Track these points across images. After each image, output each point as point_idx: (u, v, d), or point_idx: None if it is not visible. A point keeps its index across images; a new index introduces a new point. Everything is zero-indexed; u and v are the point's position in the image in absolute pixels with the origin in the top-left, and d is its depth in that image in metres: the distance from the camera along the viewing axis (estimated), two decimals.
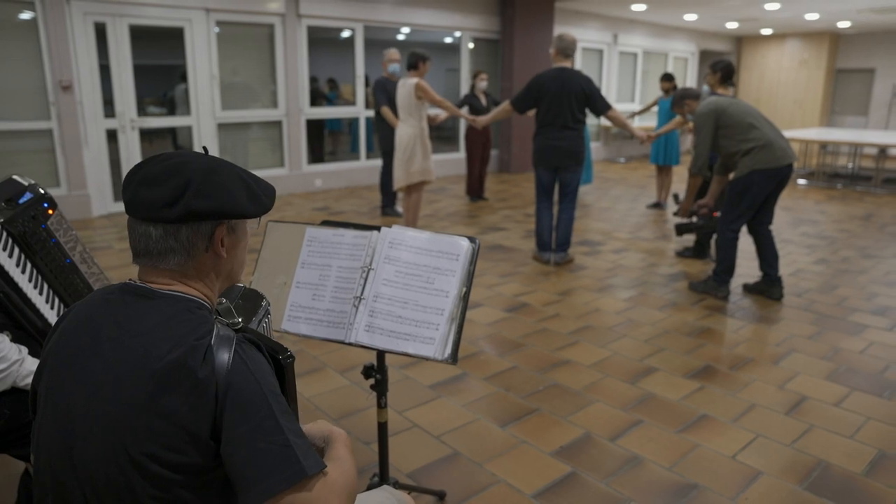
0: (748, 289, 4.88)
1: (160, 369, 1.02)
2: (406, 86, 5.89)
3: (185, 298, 1.13)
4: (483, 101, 8.26)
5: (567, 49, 5.33)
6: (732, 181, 4.53)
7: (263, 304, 1.44)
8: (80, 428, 1.05)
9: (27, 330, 1.95)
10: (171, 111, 7.93)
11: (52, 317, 2.01)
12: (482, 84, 8.30)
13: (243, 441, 1.01)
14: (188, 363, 1.02)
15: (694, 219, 5.12)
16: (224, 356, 1.04)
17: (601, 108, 5.32)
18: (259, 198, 1.17)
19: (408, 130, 5.94)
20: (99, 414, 1.04)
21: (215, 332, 1.07)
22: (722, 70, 4.91)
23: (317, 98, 9.24)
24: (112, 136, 7.21)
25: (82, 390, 1.06)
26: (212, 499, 1.07)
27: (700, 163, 4.61)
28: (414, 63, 5.96)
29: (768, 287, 4.74)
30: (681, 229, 5.31)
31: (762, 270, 4.75)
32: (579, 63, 12.18)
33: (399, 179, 6.01)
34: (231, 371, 1.03)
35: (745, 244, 4.98)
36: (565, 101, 5.24)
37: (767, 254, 4.68)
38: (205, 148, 1.22)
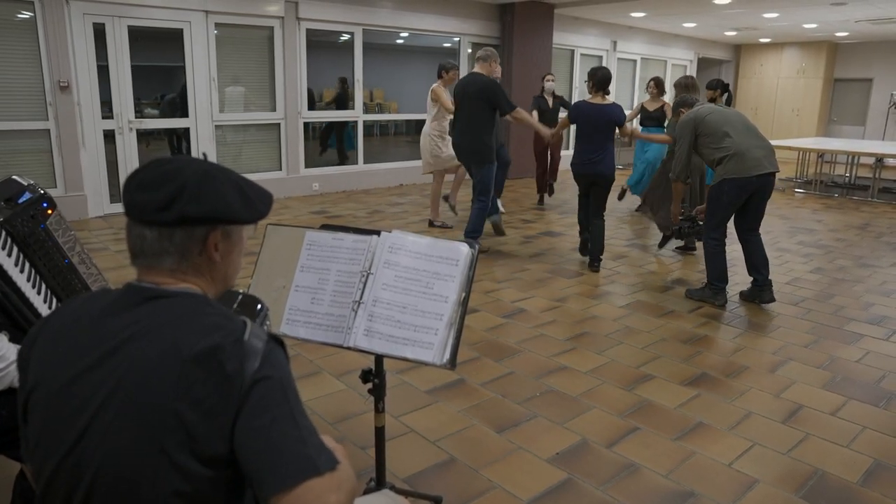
0: (743, 296, 4.90)
1: (190, 360, 1.04)
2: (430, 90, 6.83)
3: (199, 294, 1.17)
4: (550, 102, 8.24)
5: (481, 56, 5.77)
6: (709, 190, 4.64)
7: (260, 308, 1.44)
8: (98, 425, 1.06)
9: (25, 330, 1.95)
10: (165, 114, 7.93)
11: None
12: (549, 85, 8.25)
13: (260, 433, 1.04)
14: (218, 356, 1.05)
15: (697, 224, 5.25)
16: (253, 353, 1.08)
17: (504, 109, 5.63)
18: (254, 204, 1.19)
19: (425, 129, 6.91)
20: (124, 407, 1.05)
21: (248, 329, 1.10)
22: (591, 78, 5.40)
23: (346, 100, 9.39)
24: (109, 137, 7.20)
25: (100, 388, 1.07)
26: (224, 495, 1.09)
27: (678, 169, 4.71)
28: (439, 72, 6.77)
29: (759, 291, 4.77)
30: (681, 232, 5.40)
31: (750, 275, 4.79)
32: (578, 69, 12.21)
33: (424, 166, 7.08)
34: (258, 368, 1.07)
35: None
36: (466, 103, 5.66)
37: (754, 259, 4.71)
38: (204, 154, 1.24)
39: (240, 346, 1.07)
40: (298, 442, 1.05)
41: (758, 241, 4.71)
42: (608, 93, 5.43)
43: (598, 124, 5.28)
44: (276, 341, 1.15)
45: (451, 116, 6.74)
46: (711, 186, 4.57)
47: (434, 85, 6.76)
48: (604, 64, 12.74)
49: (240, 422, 1.04)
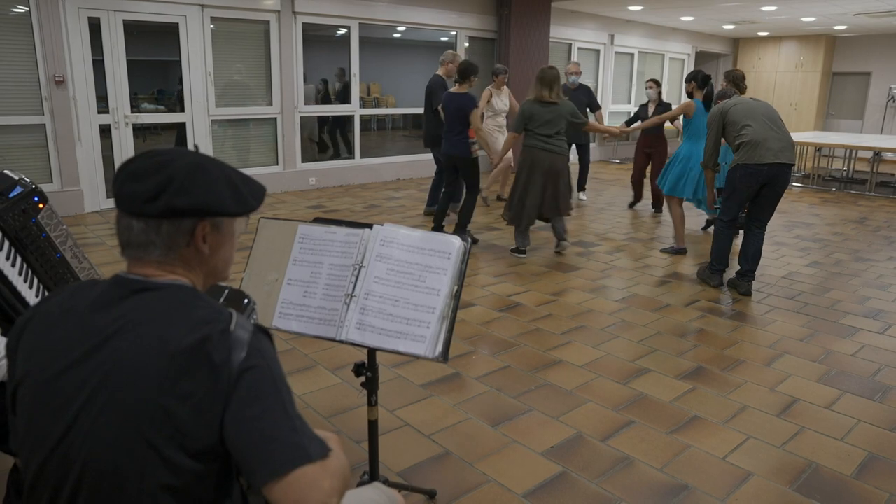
0: (729, 283, 5.03)
1: (178, 354, 1.04)
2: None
3: (187, 287, 1.16)
4: (651, 110, 7.55)
5: (441, 59, 6.48)
6: (727, 175, 4.82)
7: (247, 302, 1.44)
8: (85, 418, 1.05)
9: None
10: (177, 107, 7.90)
11: None
12: (650, 92, 7.56)
13: (251, 424, 1.04)
14: (205, 348, 1.05)
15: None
16: (240, 343, 1.07)
17: (434, 104, 6.62)
18: (244, 197, 1.19)
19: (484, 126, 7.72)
20: (111, 401, 1.05)
21: (235, 320, 1.10)
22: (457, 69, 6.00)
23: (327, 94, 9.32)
24: (105, 131, 7.17)
25: (88, 381, 1.06)
26: (214, 488, 1.09)
27: (706, 157, 4.97)
28: (492, 76, 7.57)
29: (738, 280, 4.91)
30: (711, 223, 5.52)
31: (738, 263, 4.91)
32: None
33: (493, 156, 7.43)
34: (246, 358, 1.06)
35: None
36: (447, 114, 6.16)
37: (748, 249, 4.85)
38: (196, 146, 1.23)
39: (227, 337, 1.07)
40: (290, 431, 1.05)
41: (759, 235, 4.82)
42: (466, 81, 5.90)
43: (449, 109, 5.98)
44: (263, 332, 1.15)
45: (504, 112, 7.74)
46: (728, 172, 4.77)
47: (489, 87, 7.66)
48: (601, 58, 12.73)
49: (229, 412, 1.04)
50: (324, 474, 1.04)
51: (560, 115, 5.44)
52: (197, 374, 1.04)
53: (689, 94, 6.02)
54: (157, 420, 1.02)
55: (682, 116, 6.16)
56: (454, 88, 6.07)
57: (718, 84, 7.31)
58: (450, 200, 6.34)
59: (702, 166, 5.14)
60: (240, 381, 1.05)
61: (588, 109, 8.03)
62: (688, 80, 6.04)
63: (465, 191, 6.27)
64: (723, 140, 4.90)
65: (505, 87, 7.75)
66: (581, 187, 8.68)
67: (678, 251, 6.01)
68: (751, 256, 4.83)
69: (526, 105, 5.51)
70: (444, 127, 6.11)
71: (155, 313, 1.10)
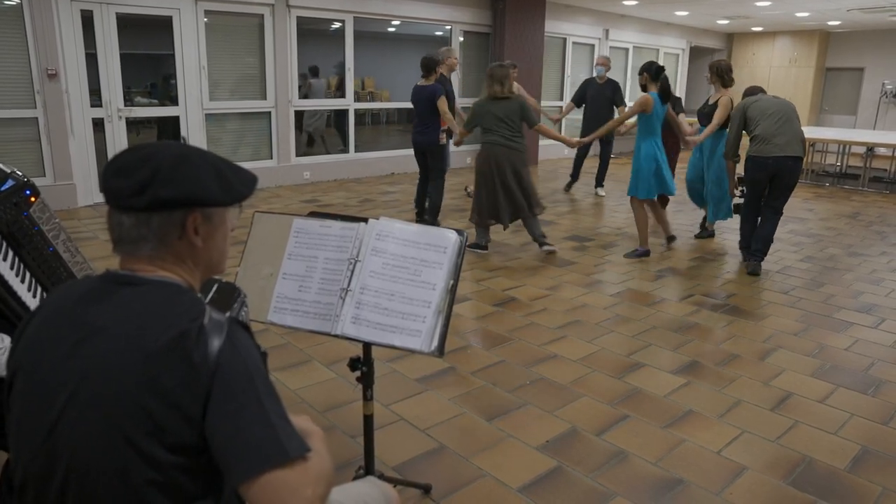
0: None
1: (156, 350, 1.03)
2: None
3: (172, 283, 1.15)
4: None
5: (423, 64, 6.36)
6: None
7: (238, 296, 1.43)
8: (69, 414, 1.05)
9: (9, 319, 1.92)
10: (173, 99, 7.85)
11: (34, 306, 1.98)
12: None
13: (227, 420, 1.02)
14: (183, 344, 1.03)
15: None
16: (216, 337, 1.06)
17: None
18: (232, 185, 1.17)
19: None
20: (91, 398, 1.04)
21: (208, 314, 1.09)
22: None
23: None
24: (99, 125, 7.13)
25: (71, 377, 1.06)
26: (203, 483, 1.07)
27: (728, 148, 5.44)
28: None
29: (748, 259, 5.36)
30: (738, 208, 5.77)
31: (752, 243, 5.33)
32: (570, 58, 12.16)
33: None
34: (221, 351, 1.05)
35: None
36: (418, 106, 6.37)
37: (759, 230, 5.29)
38: (183, 138, 1.23)
39: (203, 333, 1.05)
40: (266, 427, 1.02)
41: (771, 217, 5.24)
42: (432, 73, 6.21)
43: (419, 101, 6.27)
44: (241, 325, 1.13)
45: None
46: (745, 163, 5.23)
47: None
48: (596, 53, 12.72)
49: (210, 409, 1.03)
50: (306, 479, 1.01)
51: (513, 109, 5.37)
52: (175, 370, 1.02)
53: (643, 87, 5.53)
54: (136, 416, 1.01)
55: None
56: (421, 82, 6.28)
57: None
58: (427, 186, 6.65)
59: (724, 157, 5.55)
60: (216, 376, 1.03)
61: (614, 106, 8.30)
62: (640, 73, 5.61)
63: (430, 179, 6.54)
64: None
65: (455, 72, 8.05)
66: (599, 182, 8.89)
67: (643, 254, 5.71)
68: (760, 238, 5.25)
69: (476, 104, 5.48)
70: (416, 119, 6.36)
71: (136, 309, 1.09)
